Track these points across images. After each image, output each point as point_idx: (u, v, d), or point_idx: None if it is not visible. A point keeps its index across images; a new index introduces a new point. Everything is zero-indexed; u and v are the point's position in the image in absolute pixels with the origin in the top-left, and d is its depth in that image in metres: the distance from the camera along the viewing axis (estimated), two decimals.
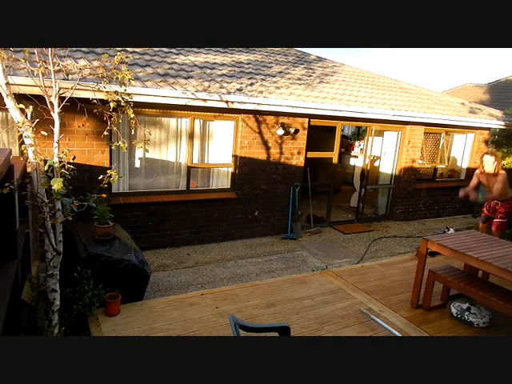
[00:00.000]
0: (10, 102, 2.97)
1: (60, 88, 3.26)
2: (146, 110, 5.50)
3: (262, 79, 6.76)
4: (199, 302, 4.09)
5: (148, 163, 5.92)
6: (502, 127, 9.43)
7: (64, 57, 4.77)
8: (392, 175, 8.50)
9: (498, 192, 5.34)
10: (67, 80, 4.04)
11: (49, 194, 3.09)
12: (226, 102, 5.63)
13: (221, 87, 5.82)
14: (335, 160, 7.63)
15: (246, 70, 7.03)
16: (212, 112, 5.98)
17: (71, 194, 3.17)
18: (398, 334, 3.70)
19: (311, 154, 7.15)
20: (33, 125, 3.07)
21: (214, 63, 6.85)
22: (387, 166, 8.55)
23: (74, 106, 3.85)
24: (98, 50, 5.69)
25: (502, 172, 5.39)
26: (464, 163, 9.51)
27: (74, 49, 5.43)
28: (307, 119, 6.83)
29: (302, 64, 8.67)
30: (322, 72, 8.54)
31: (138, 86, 4.96)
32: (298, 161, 6.95)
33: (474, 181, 5.69)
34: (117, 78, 3.51)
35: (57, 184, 2.84)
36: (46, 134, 3.51)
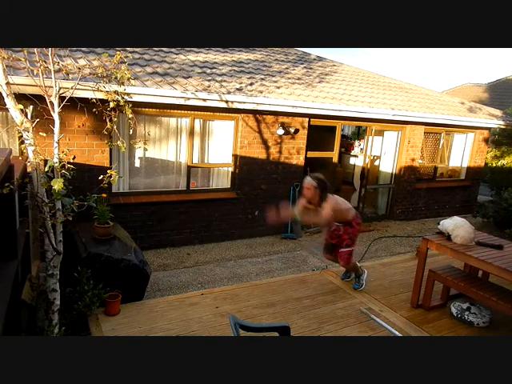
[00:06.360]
0: (10, 102, 2.96)
1: (60, 88, 3.25)
2: (146, 109, 5.50)
3: (262, 79, 6.76)
4: (199, 302, 4.09)
5: (148, 163, 5.92)
6: (502, 127, 9.44)
7: (64, 56, 4.77)
8: (392, 175, 8.49)
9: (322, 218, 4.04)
10: (67, 80, 4.03)
11: (49, 193, 3.09)
12: (226, 101, 5.63)
13: (221, 87, 5.82)
14: (335, 160, 7.64)
15: (246, 69, 7.03)
16: (212, 111, 5.98)
17: (71, 193, 3.17)
18: (398, 333, 3.70)
19: (311, 154, 7.15)
20: (33, 125, 3.07)
21: (214, 63, 6.85)
22: (387, 166, 8.54)
23: (73, 106, 3.85)
24: (98, 49, 5.69)
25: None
26: (464, 163, 9.51)
27: (74, 49, 5.43)
28: (307, 119, 6.82)
29: (303, 64, 8.66)
30: (322, 72, 8.53)
31: (137, 85, 4.96)
32: (298, 160, 6.95)
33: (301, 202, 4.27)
34: (115, 78, 3.51)
35: (57, 184, 2.84)
36: (45, 135, 3.51)
